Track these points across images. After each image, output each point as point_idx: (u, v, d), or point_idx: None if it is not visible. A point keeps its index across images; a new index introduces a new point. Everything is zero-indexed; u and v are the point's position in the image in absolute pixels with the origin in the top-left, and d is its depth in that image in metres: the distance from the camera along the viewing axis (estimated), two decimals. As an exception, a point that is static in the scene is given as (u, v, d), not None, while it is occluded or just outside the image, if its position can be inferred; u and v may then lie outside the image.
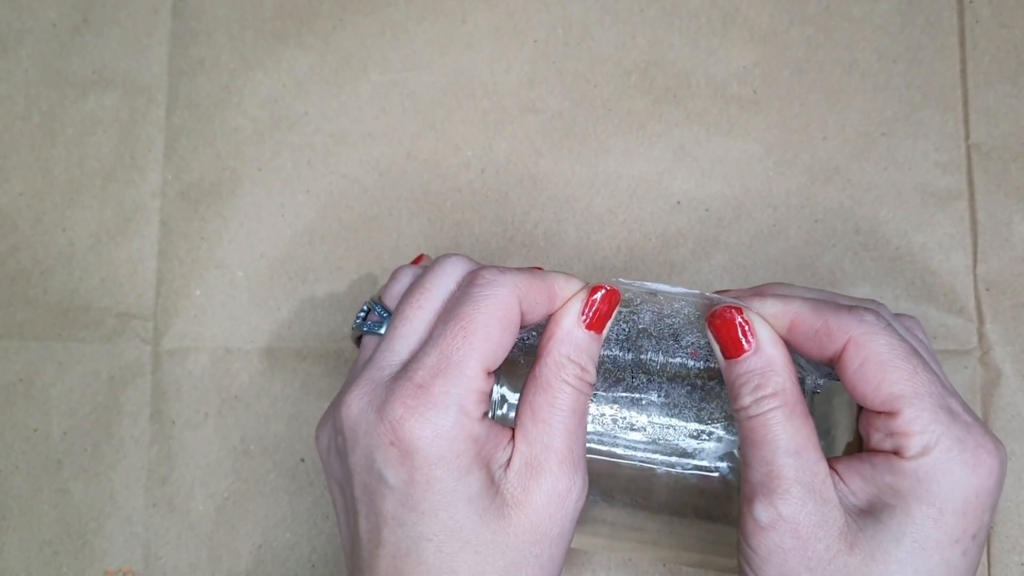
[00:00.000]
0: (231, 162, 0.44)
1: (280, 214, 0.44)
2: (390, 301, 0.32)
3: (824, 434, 0.31)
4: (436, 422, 0.27)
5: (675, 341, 0.31)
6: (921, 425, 0.27)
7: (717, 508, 0.32)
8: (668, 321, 0.31)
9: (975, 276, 0.41)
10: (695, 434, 0.32)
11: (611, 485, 0.32)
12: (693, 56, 0.43)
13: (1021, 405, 0.40)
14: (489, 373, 0.28)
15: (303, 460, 0.42)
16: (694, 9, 0.44)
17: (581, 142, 0.43)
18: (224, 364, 0.43)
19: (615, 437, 0.32)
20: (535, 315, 0.30)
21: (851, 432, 0.32)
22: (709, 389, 0.32)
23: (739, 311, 0.29)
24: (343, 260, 0.43)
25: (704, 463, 0.32)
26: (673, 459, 0.32)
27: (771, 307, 0.29)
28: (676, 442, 0.32)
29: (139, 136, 0.45)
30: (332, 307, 0.43)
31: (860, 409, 0.29)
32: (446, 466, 0.27)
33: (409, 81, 0.44)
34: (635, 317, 0.31)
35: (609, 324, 0.30)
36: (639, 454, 0.32)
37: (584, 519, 0.33)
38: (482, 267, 0.30)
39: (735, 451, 0.31)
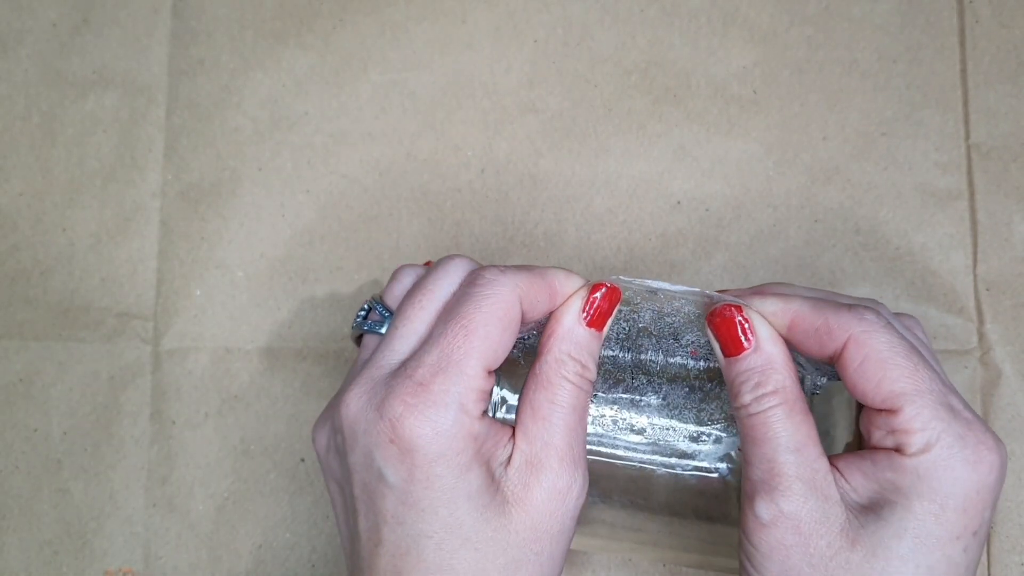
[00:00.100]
0: (231, 162, 0.44)
1: (280, 214, 0.44)
2: (391, 301, 0.32)
3: (824, 434, 0.31)
4: (436, 420, 0.27)
5: (675, 340, 0.31)
6: (922, 422, 0.27)
7: (717, 509, 0.32)
8: (668, 320, 0.31)
9: (975, 276, 0.41)
10: (695, 435, 0.32)
11: (611, 486, 0.32)
12: (693, 56, 0.43)
13: (1021, 405, 0.40)
14: (489, 372, 0.28)
15: (303, 460, 0.42)
16: (694, 9, 0.44)
17: (581, 142, 0.43)
18: (224, 364, 0.43)
19: (615, 438, 0.32)
20: (536, 313, 0.30)
21: (850, 432, 0.32)
22: (708, 390, 0.32)
23: (739, 309, 0.29)
24: (343, 260, 0.43)
25: (704, 464, 0.32)
26: (673, 460, 0.32)
27: (771, 305, 0.29)
28: (676, 443, 0.32)
29: (139, 136, 0.45)
30: (332, 307, 0.43)
31: (860, 408, 0.29)
32: (446, 463, 0.27)
33: (409, 81, 0.44)
34: (635, 316, 0.31)
35: (610, 322, 0.30)
36: (639, 455, 0.32)
37: (584, 520, 0.33)
38: (483, 267, 0.30)
39: (734, 452, 0.31)
